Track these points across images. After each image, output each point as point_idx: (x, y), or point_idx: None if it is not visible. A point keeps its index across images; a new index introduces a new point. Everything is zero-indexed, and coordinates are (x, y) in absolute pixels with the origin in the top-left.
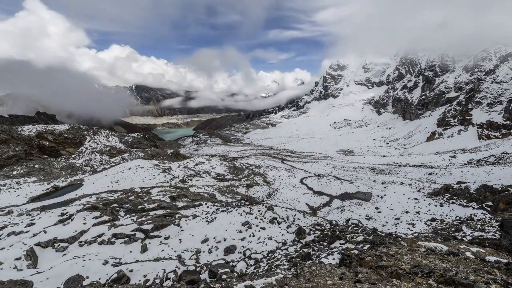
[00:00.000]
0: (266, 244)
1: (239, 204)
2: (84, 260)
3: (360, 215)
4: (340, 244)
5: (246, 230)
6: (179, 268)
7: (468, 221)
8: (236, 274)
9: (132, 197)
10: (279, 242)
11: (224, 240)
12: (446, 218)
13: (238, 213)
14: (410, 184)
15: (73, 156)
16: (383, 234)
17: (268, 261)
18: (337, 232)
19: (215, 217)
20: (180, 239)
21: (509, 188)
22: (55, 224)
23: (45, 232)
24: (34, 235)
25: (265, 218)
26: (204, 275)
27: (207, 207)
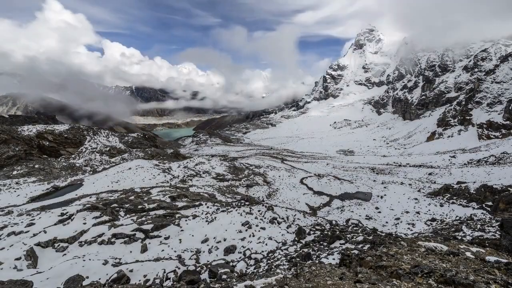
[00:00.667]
0: (266, 244)
1: (239, 204)
2: (84, 260)
3: (360, 215)
4: (340, 244)
5: (246, 230)
6: (179, 268)
7: (468, 221)
8: (236, 274)
9: (132, 197)
10: (279, 242)
11: (224, 240)
12: (446, 218)
13: (238, 213)
14: (410, 184)
15: (73, 156)
16: (383, 234)
17: (268, 261)
18: (337, 232)
19: (215, 217)
20: (180, 239)
21: (509, 188)
22: (55, 224)
23: (45, 232)
24: (34, 235)
25: (265, 218)
26: (204, 275)
27: (207, 207)
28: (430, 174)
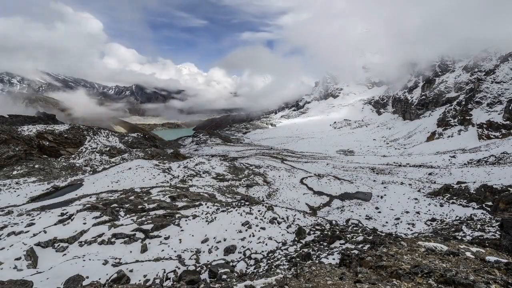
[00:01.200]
0: (266, 244)
1: (239, 204)
2: (84, 260)
3: (360, 215)
4: (340, 244)
5: (246, 230)
6: (179, 268)
7: (468, 221)
8: (236, 274)
9: (132, 197)
10: (279, 242)
11: (224, 240)
12: (446, 218)
13: (238, 213)
14: (410, 184)
15: (73, 156)
16: (383, 234)
17: (268, 261)
18: (337, 232)
19: (215, 217)
20: (180, 239)
21: (509, 188)
22: (55, 224)
23: (45, 232)
24: (34, 235)
25: (265, 218)
26: (204, 275)
27: (207, 207)
28: (430, 174)
